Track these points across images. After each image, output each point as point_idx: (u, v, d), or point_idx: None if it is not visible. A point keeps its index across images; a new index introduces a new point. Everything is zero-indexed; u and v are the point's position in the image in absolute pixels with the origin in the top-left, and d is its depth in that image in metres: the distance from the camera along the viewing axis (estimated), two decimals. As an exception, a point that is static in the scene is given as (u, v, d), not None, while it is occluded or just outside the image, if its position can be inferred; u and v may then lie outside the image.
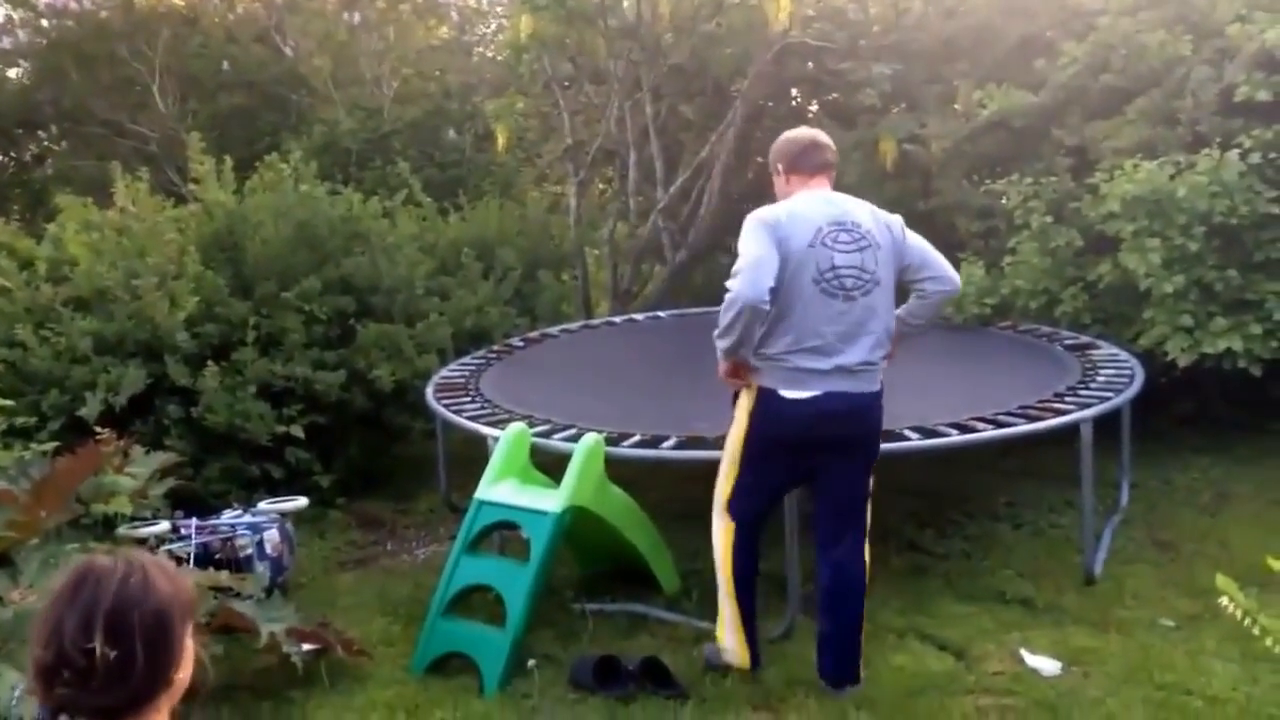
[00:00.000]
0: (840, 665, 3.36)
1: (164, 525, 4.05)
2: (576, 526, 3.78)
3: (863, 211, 3.29)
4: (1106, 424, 4.43)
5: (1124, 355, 5.02)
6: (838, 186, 3.40)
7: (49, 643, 1.41)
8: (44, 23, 11.13)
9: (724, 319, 3.14)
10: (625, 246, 8.23)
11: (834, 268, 3.17)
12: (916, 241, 3.38)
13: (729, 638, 3.49)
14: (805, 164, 3.33)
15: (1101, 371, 4.78)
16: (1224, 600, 1.89)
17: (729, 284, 3.11)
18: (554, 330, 6.46)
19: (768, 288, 3.07)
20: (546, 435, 4.18)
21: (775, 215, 3.20)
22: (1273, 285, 5.07)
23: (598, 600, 4.07)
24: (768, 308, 3.10)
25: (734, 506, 3.42)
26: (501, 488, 3.83)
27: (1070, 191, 5.64)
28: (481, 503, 3.81)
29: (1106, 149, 5.57)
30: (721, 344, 3.21)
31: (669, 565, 4.12)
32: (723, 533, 3.43)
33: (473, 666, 3.54)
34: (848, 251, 3.19)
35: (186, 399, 5.14)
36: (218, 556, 4.07)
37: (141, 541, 3.87)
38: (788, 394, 3.21)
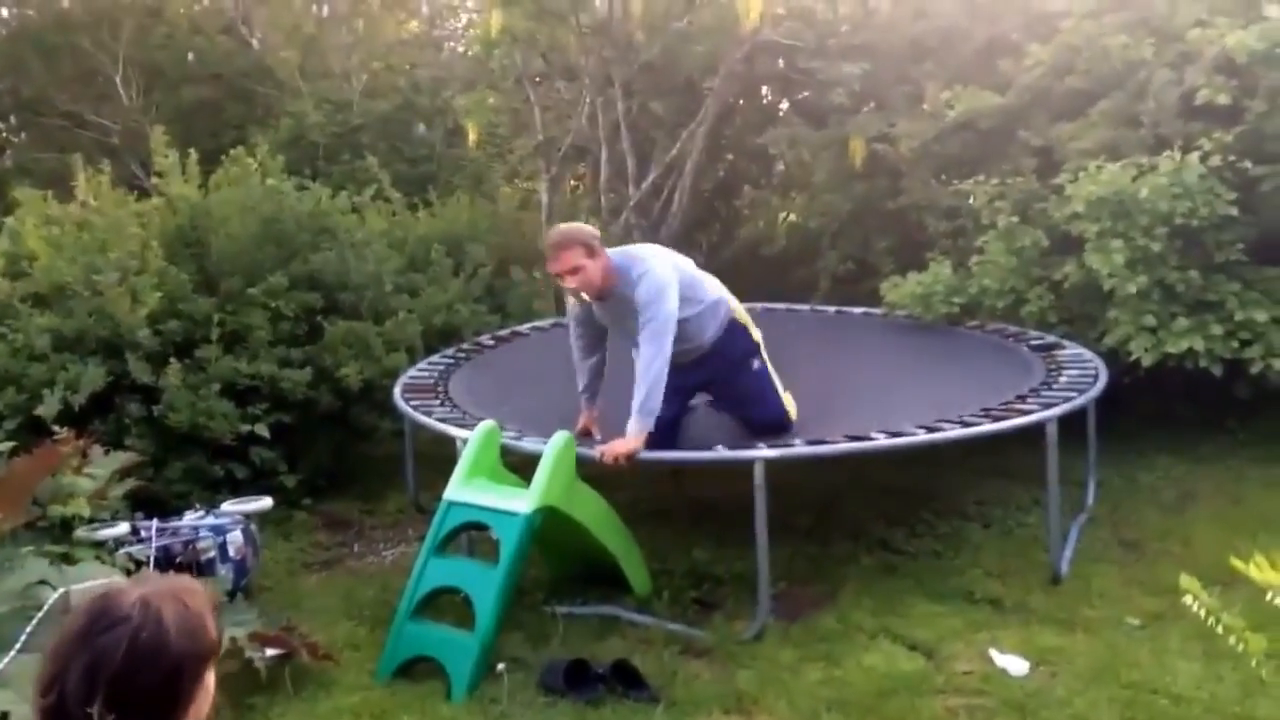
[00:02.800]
0: None
1: (124, 527, 3.96)
2: (547, 527, 3.76)
3: None
4: (1072, 423, 4.48)
5: (1088, 355, 5.06)
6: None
7: (50, 689, 1.33)
8: (3, 12, 10.91)
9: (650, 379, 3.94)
10: (596, 244, 8.18)
11: None
12: None
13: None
14: (599, 241, 4.13)
15: (1066, 371, 4.82)
16: (1188, 599, 1.89)
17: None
18: (524, 328, 6.41)
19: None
20: (517, 437, 4.15)
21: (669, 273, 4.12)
22: (1233, 286, 5.13)
23: (568, 602, 4.05)
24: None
25: None
26: (471, 488, 3.80)
27: (1036, 192, 5.67)
28: (450, 503, 3.77)
29: (1071, 150, 5.61)
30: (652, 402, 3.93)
31: (641, 566, 4.10)
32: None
33: (441, 670, 3.51)
34: None
35: (148, 397, 5.05)
36: (179, 559, 4.00)
37: (100, 544, 3.80)
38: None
